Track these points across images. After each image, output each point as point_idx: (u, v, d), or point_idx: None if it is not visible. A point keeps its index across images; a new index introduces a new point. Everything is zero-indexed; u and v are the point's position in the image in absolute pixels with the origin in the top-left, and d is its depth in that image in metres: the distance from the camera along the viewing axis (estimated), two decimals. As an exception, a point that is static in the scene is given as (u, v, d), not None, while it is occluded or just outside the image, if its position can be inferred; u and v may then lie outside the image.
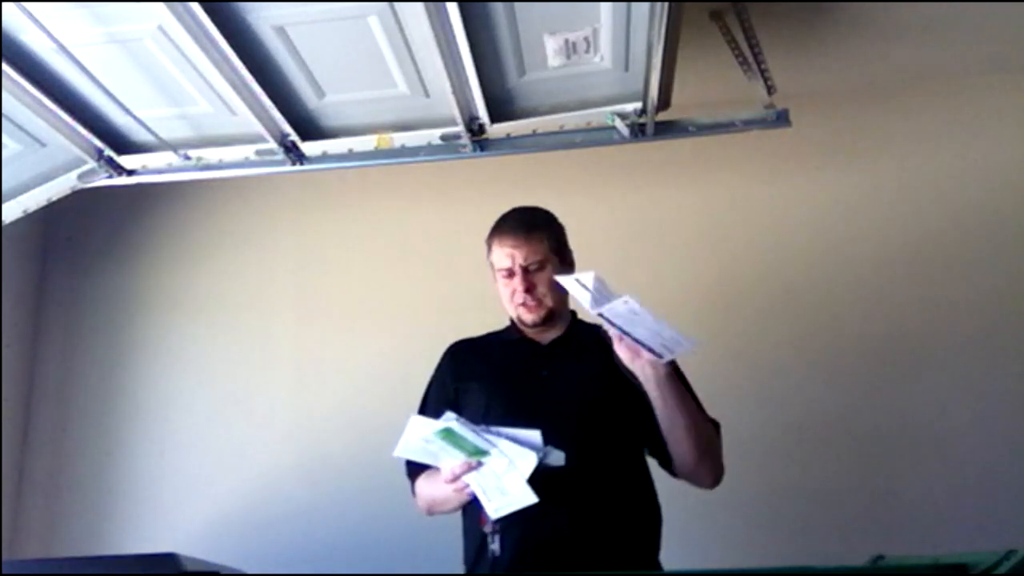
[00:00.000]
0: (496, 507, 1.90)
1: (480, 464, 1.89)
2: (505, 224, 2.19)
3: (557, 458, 1.89)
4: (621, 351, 1.92)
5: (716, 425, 2.15)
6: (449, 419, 1.83)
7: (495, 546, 1.95)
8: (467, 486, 1.93)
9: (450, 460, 1.92)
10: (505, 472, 1.88)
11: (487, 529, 1.96)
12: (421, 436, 1.87)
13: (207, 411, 3.33)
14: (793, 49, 3.00)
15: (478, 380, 1.91)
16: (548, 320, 2.16)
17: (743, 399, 3.05)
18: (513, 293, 2.14)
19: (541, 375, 2.07)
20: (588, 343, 2.16)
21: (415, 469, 2.16)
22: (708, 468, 2.09)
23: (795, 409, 3.08)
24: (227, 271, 3.47)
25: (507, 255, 2.13)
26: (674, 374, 1.99)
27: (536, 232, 2.16)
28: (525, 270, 2.12)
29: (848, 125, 3.31)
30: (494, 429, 1.87)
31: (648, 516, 2.10)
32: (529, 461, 1.86)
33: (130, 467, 3.30)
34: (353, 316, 3.36)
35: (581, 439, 1.95)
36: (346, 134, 2.54)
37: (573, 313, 2.24)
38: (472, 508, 2.05)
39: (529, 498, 1.87)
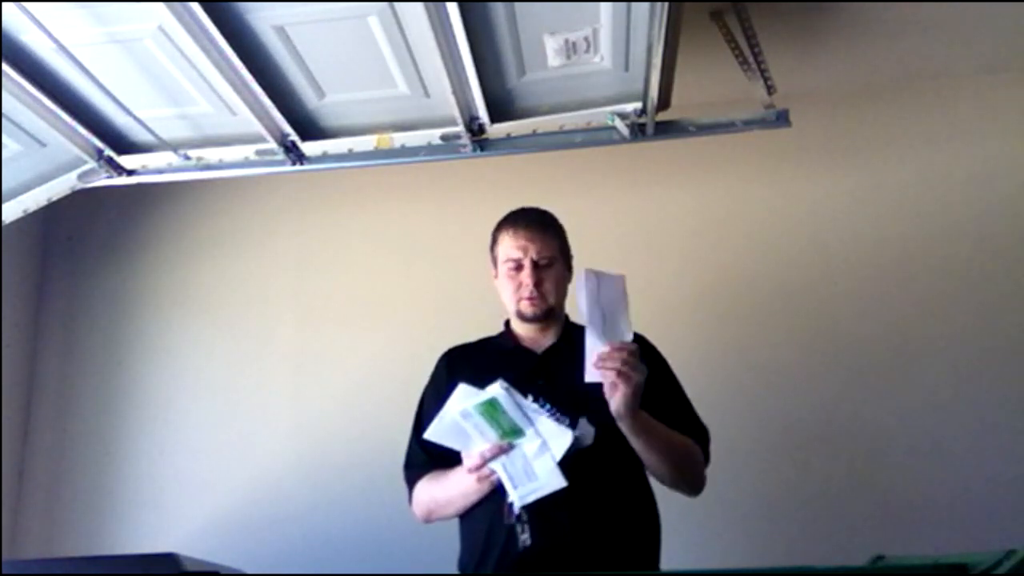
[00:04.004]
0: (523, 493, 1.90)
1: (511, 447, 1.89)
2: (520, 218, 2.20)
3: (588, 434, 1.91)
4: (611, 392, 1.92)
5: (704, 434, 2.15)
6: (496, 390, 1.83)
7: (526, 537, 1.94)
8: (492, 473, 1.92)
9: (479, 444, 1.92)
10: (536, 455, 1.88)
11: (511, 521, 1.96)
12: (461, 409, 1.86)
13: (207, 411, 3.33)
14: (793, 49, 3.00)
15: None
16: (547, 317, 2.16)
17: (742, 399, 3.05)
18: (519, 286, 2.14)
19: (537, 384, 2.07)
20: (583, 350, 2.16)
21: (415, 475, 2.16)
22: (684, 490, 2.14)
23: (794, 409, 3.08)
24: (227, 271, 3.47)
25: (520, 247, 2.14)
26: (640, 421, 1.96)
27: (550, 230, 2.19)
28: (536, 264, 2.14)
29: (848, 125, 3.31)
30: (533, 406, 1.88)
31: (647, 522, 2.10)
32: (564, 440, 1.87)
33: (130, 467, 3.30)
34: (353, 316, 3.36)
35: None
36: (346, 134, 2.54)
37: (566, 316, 2.24)
38: (476, 511, 2.05)
39: (558, 482, 1.87)
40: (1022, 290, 3.09)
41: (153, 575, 1.81)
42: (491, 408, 1.85)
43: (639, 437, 1.97)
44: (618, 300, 1.93)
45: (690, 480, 2.12)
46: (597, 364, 1.89)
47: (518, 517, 1.95)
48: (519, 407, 1.86)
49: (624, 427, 1.94)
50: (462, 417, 1.88)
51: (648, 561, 2.06)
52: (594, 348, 1.90)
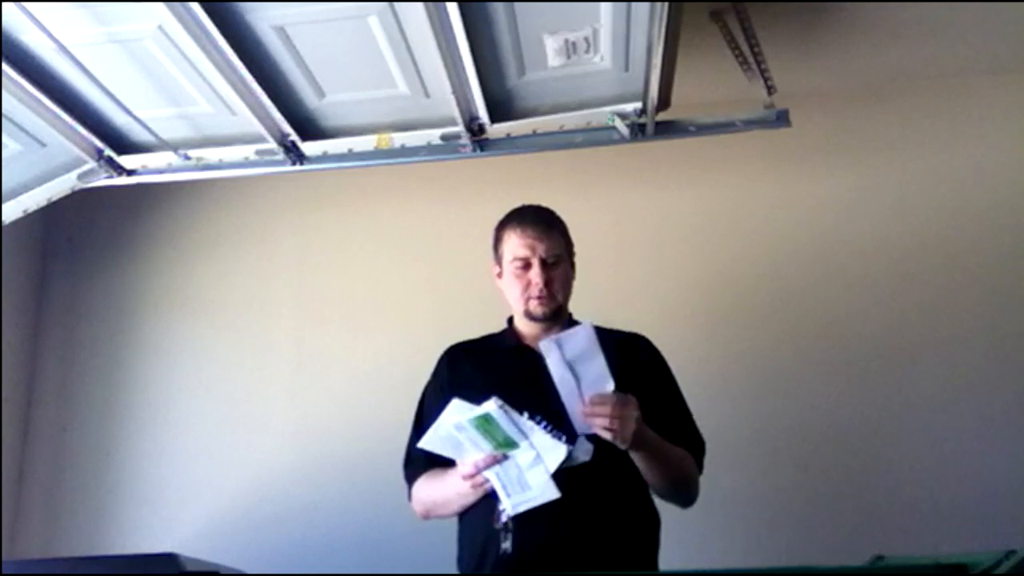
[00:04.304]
0: (515, 502, 1.90)
1: (506, 457, 1.89)
2: (526, 216, 2.19)
3: (586, 451, 1.90)
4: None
5: (701, 446, 2.15)
6: (490, 407, 1.83)
7: (507, 544, 1.94)
8: (485, 481, 1.92)
9: (474, 453, 1.92)
10: (530, 466, 1.88)
11: (499, 526, 1.96)
12: (455, 422, 1.86)
13: (207, 411, 3.32)
14: (793, 49, 3.00)
15: (474, 389, 1.91)
16: (555, 315, 2.16)
17: (743, 399, 3.05)
18: (528, 285, 2.14)
19: (538, 383, 2.07)
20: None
21: (414, 472, 2.16)
22: (676, 503, 2.14)
23: (795, 409, 3.08)
24: (227, 271, 3.47)
25: (528, 246, 2.13)
26: (643, 447, 1.97)
27: (555, 228, 2.19)
28: (544, 262, 2.13)
29: (848, 125, 3.31)
30: (529, 423, 1.88)
31: (646, 521, 2.10)
32: (558, 454, 1.87)
33: (130, 467, 3.30)
34: (353, 316, 3.36)
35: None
36: (346, 134, 2.55)
37: (569, 315, 2.23)
38: (473, 512, 2.05)
39: (551, 493, 1.87)
40: (1022, 290, 3.09)
41: (153, 575, 1.82)
42: (485, 422, 1.85)
43: (641, 460, 1.99)
44: (589, 352, 1.89)
45: (684, 494, 2.12)
46: (586, 422, 1.89)
47: (504, 525, 1.95)
48: (514, 423, 1.86)
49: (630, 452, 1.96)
50: (456, 429, 1.88)
51: (645, 557, 2.05)
52: (572, 406, 1.91)
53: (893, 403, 3.04)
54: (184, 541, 3.07)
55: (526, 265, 2.14)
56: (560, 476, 1.89)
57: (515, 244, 2.15)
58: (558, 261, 2.15)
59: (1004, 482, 2.91)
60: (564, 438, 1.91)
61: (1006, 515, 2.84)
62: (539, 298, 2.13)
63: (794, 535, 2.95)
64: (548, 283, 2.13)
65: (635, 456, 1.98)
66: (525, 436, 1.87)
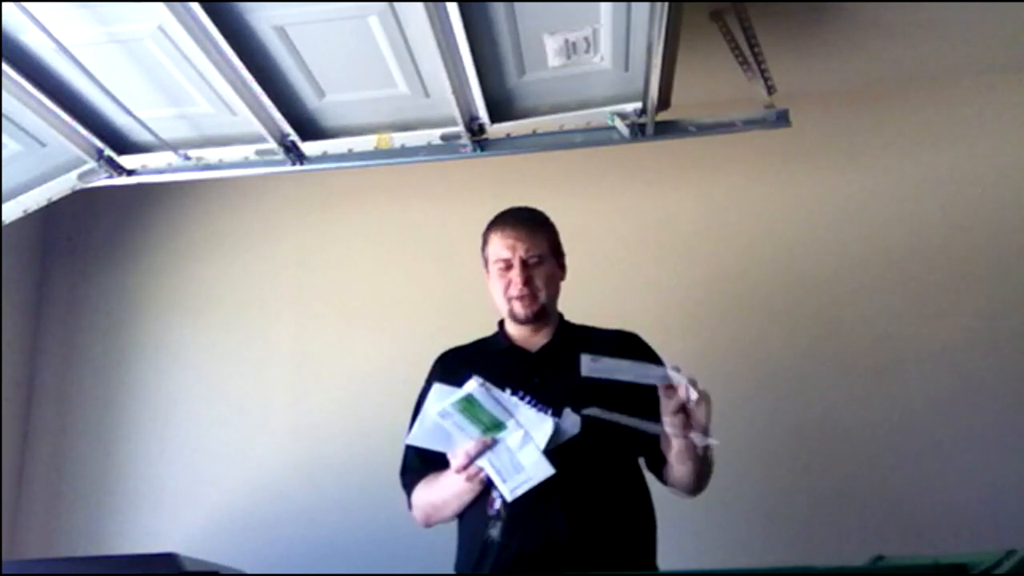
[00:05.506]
0: (512, 487, 1.90)
1: (495, 442, 1.89)
2: (507, 218, 2.20)
3: (573, 423, 1.90)
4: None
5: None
6: (471, 386, 1.84)
7: (495, 531, 1.94)
8: (479, 471, 1.92)
9: (463, 442, 1.92)
10: (520, 447, 1.88)
11: (491, 513, 1.96)
12: (440, 409, 1.86)
13: (207, 411, 3.33)
14: (793, 49, 3.00)
15: None
16: (540, 317, 2.16)
17: (743, 399, 3.05)
18: (508, 285, 2.13)
19: (532, 383, 2.06)
20: (578, 348, 2.16)
21: (411, 480, 2.16)
22: (687, 493, 2.10)
23: (795, 409, 3.08)
24: (227, 271, 3.47)
25: (508, 246, 2.14)
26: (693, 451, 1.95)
27: (538, 228, 2.19)
28: (524, 263, 2.13)
29: (848, 125, 3.31)
30: (512, 399, 1.89)
31: (643, 521, 2.10)
32: (546, 428, 1.87)
33: (130, 467, 3.30)
34: (353, 316, 3.36)
35: (574, 445, 1.94)
36: (346, 134, 2.55)
37: (560, 316, 2.24)
38: (471, 511, 2.05)
39: (545, 470, 1.87)
40: (1023, 290, 3.09)
41: (153, 575, 1.82)
42: (469, 405, 1.85)
43: (685, 451, 1.95)
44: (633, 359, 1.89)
45: (701, 486, 2.09)
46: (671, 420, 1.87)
47: (497, 513, 1.96)
48: (497, 401, 1.86)
49: (675, 449, 1.94)
50: (441, 417, 1.88)
51: (644, 556, 2.06)
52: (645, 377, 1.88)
53: (893, 403, 3.04)
54: (184, 541, 3.07)
55: (508, 266, 2.14)
56: (561, 461, 1.88)
57: (497, 245, 2.16)
58: (540, 261, 2.15)
59: (1004, 482, 2.91)
60: (550, 411, 1.91)
61: (1006, 515, 2.85)
62: (519, 298, 2.13)
63: (794, 535, 2.95)
64: (528, 282, 2.12)
65: (682, 449, 1.94)
66: (511, 414, 1.88)
